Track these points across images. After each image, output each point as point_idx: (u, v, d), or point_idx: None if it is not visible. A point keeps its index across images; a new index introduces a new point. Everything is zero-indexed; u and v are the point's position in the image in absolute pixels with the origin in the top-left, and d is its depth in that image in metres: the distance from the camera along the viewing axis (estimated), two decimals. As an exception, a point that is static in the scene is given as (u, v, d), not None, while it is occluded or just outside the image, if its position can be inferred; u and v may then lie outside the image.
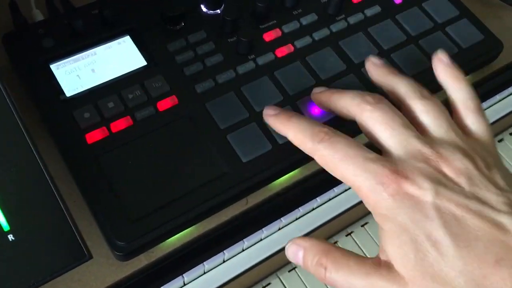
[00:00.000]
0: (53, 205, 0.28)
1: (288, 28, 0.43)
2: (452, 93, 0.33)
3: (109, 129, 0.37)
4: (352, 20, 0.45)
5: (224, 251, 0.38)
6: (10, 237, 0.27)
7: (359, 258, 0.28)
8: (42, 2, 0.44)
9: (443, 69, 0.34)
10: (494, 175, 0.28)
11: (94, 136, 0.36)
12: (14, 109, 0.28)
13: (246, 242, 0.38)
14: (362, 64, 0.42)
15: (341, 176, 0.29)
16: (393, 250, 0.27)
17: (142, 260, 0.35)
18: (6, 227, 0.27)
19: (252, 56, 0.41)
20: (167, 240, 0.36)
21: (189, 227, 0.36)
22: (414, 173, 0.27)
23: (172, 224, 0.35)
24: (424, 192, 0.27)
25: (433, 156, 0.28)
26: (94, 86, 0.39)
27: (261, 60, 0.41)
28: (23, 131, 0.28)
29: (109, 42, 0.41)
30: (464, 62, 0.44)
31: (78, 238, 0.28)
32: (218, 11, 0.44)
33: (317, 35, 0.43)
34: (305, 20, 0.44)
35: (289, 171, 0.39)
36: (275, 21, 0.44)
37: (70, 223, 0.28)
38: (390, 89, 0.34)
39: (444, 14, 0.46)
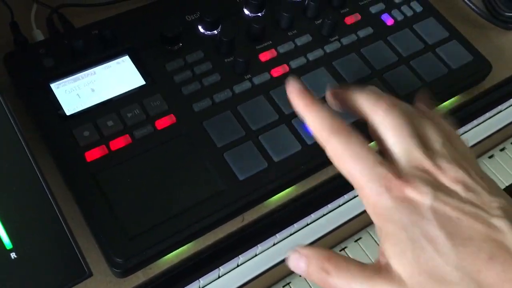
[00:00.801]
0: (54, 223, 0.28)
1: (283, 48, 0.45)
2: (436, 122, 0.35)
3: (108, 147, 0.38)
4: (345, 41, 0.46)
5: (220, 267, 0.38)
6: (13, 255, 0.27)
7: (360, 264, 0.30)
8: (42, 22, 0.45)
9: (424, 106, 0.36)
10: (486, 184, 0.30)
11: (93, 154, 0.37)
12: (17, 127, 0.28)
13: (241, 257, 0.39)
14: (355, 84, 0.43)
15: (347, 172, 0.30)
16: (391, 249, 0.28)
17: (140, 277, 0.36)
18: (8, 245, 0.27)
19: (248, 76, 0.43)
20: (165, 257, 0.36)
21: (186, 244, 0.36)
22: (416, 180, 0.29)
23: (169, 241, 0.35)
24: (424, 196, 0.28)
25: (432, 168, 0.30)
26: (94, 105, 0.40)
27: (257, 80, 0.42)
28: (26, 149, 0.28)
29: (108, 62, 0.42)
30: (454, 83, 0.45)
31: (79, 256, 0.28)
32: (215, 32, 0.45)
33: (311, 56, 0.44)
34: (299, 41, 0.45)
35: (284, 189, 0.40)
36: (270, 42, 0.45)
37: (71, 240, 0.28)
38: (396, 102, 0.34)
39: (434, 36, 0.47)
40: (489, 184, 0.30)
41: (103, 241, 0.34)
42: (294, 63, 0.44)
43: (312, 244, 0.43)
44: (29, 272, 0.27)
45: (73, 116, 0.39)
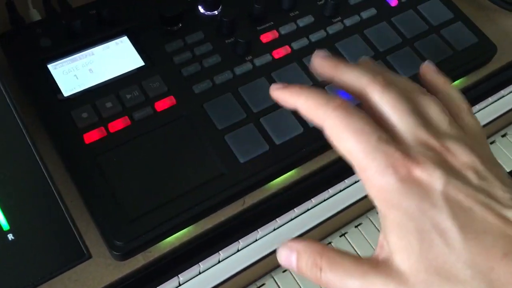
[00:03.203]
0: (52, 204, 0.28)
1: (285, 29, 0.44)
2: (443, 96, 0.32)
3: (107, 129, 0.37)
4: (348, 22, 0.45)
5: (220, 251, 0.38)
6: (10, 236, 0.27)
7: (355, 258, 0.27)
8: (39, 1, 0.44)
9: (432, 75, 0.34)
10: (498, 171, 0.28)
11: (92, 136, 0.37)
12: (15, 109, 0.28)
13: (242, 242, 0.39)
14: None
15: (347, 151, 0.27)
16: (397, 241, 0.26)
17: (140, 260, 0.35)
18: (5, 226, 0.27)
19: (250, 57, 0.42)
20: (165, 240, 0.36)
21: (186, 227, 0.36)
22: (425, 160, 0.26)
23: (169, 224, 0.35)
24: (434, 179, 0.26)
25: (440, 148, 0.27)
26: (92, 86, 0.39)
27: (259, 61, 0.42)
28: (23, 131, 0.28)
29: (106, 43, 0.41)
30: (459, 65, 0.45)
31: (78, 238, 0.28)
32: (216, 12, 0.44)
33: (313, 37, 0.44)
34: (302, 22, 0.44)
35: (286, 172, 0.39)
36: (272, 23, 0.44)
37: (70, 222, 0.28)
38: (395, 80, 0.32)
39: (439, 17, 0.46)
40: (501, 172, 0.28)
41: (102, 224, 0.34)
42: (296, 45, 0.43)
43: (313, 229, 0.43)
44: (27, 254, 0.27)
45: (71, 97, 0.38)
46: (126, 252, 0.34)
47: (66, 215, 0.28)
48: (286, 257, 0.29)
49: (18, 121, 0.28)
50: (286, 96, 0.31)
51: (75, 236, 0.28)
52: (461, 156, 0.27)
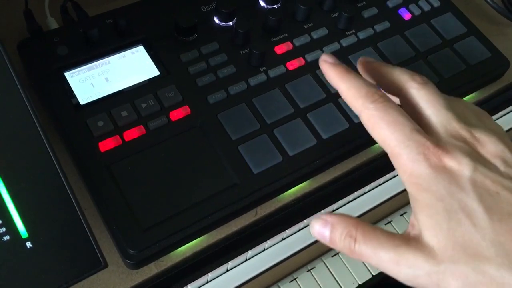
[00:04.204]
0: (70, 213, 0.28)
1: (299, 41, 0.44)
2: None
3: (122, 137, 0.37)
4: (362, 35, 0.45)
5: (229, 261, 0.38)
6: (28, 244, 0.27)
7: (388, 233, 0.29)
8: (56, 10, 0.44)
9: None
10: None
11: (107, 144, 0.37)
12: (36, 117, 0.28)
13: (250, 252, 0.39)
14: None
15: (382, 139, 0.30)
16: (426, 220, 0.28)
17: (152, 269, 0.35)
18: (24, 234, 0.27)
19: (264, 69, 0.42)
20: (177, 250, 0.36)
21: (199, 237, 0.36)
22: (455, 150, 0.28)
23: (183, 233, 0.35)
24: (463, 167, 0.28)
25: (471, 138, 0.29)
26: (108, 95, 0.39)
27: (273, 73, 0.42)
28: (44, 139, 0.28)
29: (123, 52, 0.42)
30: (471, 79, 0.45)
31: (95, 246, 0.28)
32: (231, 23, 0.44)
33: (327, 49, 0.44)
34: (316, 34, 0.45)
35: (299, 183, 0.39)
36: (286, 35, 0.44)
37: (87, 231, 0.28)
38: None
39: (452, 31, 0.47)
40: None
41: (116, 232, 0.34)
42: (310, 56, 0.43)
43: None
44: (44, 262, 0.27)
45: (87, 105, 0.39)
46: (140, 261, 0.34)
47: (84, 224, 0.28)
48: (320, 229, 0.30)
49: (39, 129, 0.28)
50: (332, 75, 0.33)
51: (92, 245, 0.28)
52: (490, 145, 0.29)
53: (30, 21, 0.43)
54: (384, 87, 0.33)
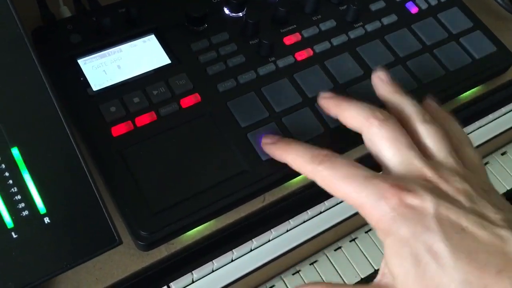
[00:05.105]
0: (87, 191, 0.29)
1: (307, 33, 0.45)
2: (445, 129, 0.34)
3: (134, 123, 0.38)
4: (370, 27, 0.46)
5: (233, 250, 0.39)
6: (46, 219, 0.28)
7: (360, 285, 0.29)
8: (69, -1, 0.45)
9: (435, 108, 0.35)
10: (491, 197, 0.29)
11: (119, 130, 0.38)
12: (55, 98, 0.29)
13: (255, 242, 0.39)
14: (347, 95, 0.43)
15: (343, 195, 0.30)
16: (395, 267, 0.27)
17: (163, 251, 0.36)
18: (42, 210, 0.28)
19: (273, 59, 0.43)
20: (187, 233, 0.37)
21: (208, 221, 0.37)
22: (417, 187, 0.28)
23: (192, 217, 0.36)
24: (426, 203, 0.27)
25: (433, 177, 0.29)
26: (120, 82, 0.40)
27: (281, 63, 0.43)
28: (62, 118, 0.29)
29: (134, 40, 0.42)
30: (477, 72, 0.46)
31: (110, 224, 0.29)
32: (241, 14, 0.45)
33: (335, 41, 0.45)
34: (324, 26, 0.45)
35: (306, 171, 0.40)
36: (295, 26, 0.45)
37: (103, 209, 0.29)
38: (394, 107, 0.34)
39: (459, 25, 0.47)
40: (495, 198, 0.29)
41: (128, 215, 0.35)
42: (318, 48, 0.44)
43: (324, 233, 0.44)
44: (61, 237, 0.28)
45: (99, 91, 0.39)
46: (151, 243, 0.34)
47: (100, 202, 0.29)
48: None
49: (58, 110, 0.29)
50: (276, 152, 0.34)
51: (108, 222, 0.29)
52: (454, 183, 0.29)
53: (43, 9, 0.44)
54: (346, 124, 0.33)
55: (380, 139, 0.31)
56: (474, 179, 0.30)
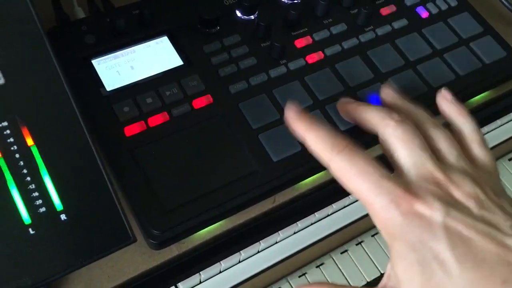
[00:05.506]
0: (103, 189, 0.29)
1: (318, 36, 0.45)
2: (458, 127, 0.34)
3: (146, 123, 0.38)
4: (380, 31, 0.46)
5: (241, 251, 0.39)
6: (63, 216, 0.28)
7: None
8: (83, 0, 0.46)
9: (448, 105, 0.35)
10: (502, 201, 0.29)
11: (132, 129, 0.38)
12: (73, 97, 0.29)
13: (262, 244, 0.40)
14: (389, 74, 0.44)
15: (354, 189, 0.29)
16: (401, 272, 0.28)
17: (174, 250, 0.36)
18: (59, 207, 0.28)
19: (284, 61, 0.43)
20: (198, 233, 0.37)
21: (219, 221, 0.37)
22: (426, 194, 0.28)
23: (204, 216, 0.36)
24: (435, 212, 0.27)
25: (444, 180, 0.29)
26: (133, 82, 0.41)
27: (293, 65, 0.43)
28: (79, 117, 0.29)
29: (147, 42, 0.43)
30: (486, 77, 0.46)
31: (125, 222, 0.29)
32: (252, 17, 0.45)
33: (346, 44, 0.45)
34: (335, 29, 0.46)
35: (316, 172, 0.40)
36: (306, 29, 0.45)
37: (118, 206, 0.29)
38: (410, 111, 0.34)
39: (469, 30, 0.48)
40: (506, 202, 0.29)
41: (140, 214, 0.35)
42: (329, 51, 0.44)
43: (331, 236, 0.44)
44: (77, 234, 0.28)
45: (113, 92, 0.40)
46: (163, 241, 0.35)
47: (115, 199, 0.29)
48: None
49: (75, 108, 0.29)
50: (297, 128, 0.33)
51: (123, 220, 0.29)
52: (465, 187, 0.29)
53: (58, 10, 0.44)
54: (363, 127, 0.34)
55: (395, 139, 0.31)
56: (485, 182, 0.30)
